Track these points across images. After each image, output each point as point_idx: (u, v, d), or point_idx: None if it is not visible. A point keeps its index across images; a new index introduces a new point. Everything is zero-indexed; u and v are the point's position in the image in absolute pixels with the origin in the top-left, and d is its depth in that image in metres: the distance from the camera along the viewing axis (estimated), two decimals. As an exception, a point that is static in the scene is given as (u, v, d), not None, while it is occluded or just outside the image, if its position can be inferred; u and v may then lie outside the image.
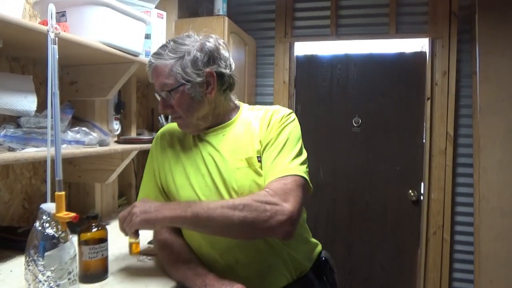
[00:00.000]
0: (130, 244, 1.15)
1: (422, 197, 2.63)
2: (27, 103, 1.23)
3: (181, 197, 1.09)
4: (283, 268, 1.07)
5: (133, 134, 1.93)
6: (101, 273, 1.08)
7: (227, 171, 1.06)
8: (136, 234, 1.05)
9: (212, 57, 1.06)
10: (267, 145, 1.06)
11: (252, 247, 1.04)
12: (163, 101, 1.09)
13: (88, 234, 1.06)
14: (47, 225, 0.87)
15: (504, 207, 2.19)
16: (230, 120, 1.15)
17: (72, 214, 0.88)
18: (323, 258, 1.20)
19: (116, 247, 1.34)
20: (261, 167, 1.05)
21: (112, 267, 1.17)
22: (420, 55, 2.65)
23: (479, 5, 2.28)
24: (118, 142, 1.69)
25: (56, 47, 0.86)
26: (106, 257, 1.08)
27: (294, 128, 1.09)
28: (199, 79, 1.05)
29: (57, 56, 0.88)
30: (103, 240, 1.07)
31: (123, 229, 1.03)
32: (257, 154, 1.06)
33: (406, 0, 2.61)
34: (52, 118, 0.90)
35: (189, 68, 1.03)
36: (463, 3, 2.49)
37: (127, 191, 2.04)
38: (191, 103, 1.06)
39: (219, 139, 1.12)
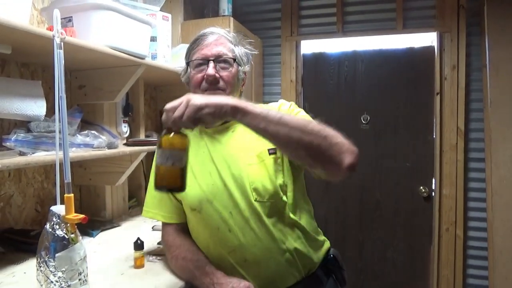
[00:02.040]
0: (135, 258, 1.18)
1: (433, 193, 2.60)
2: (37, 108, 1.26)
3: (188, 196, 1.09)
4: (292, 266, 1.07)
5: (142, 136, 1.95)
6: (175, 184, 0.92)
7: (237, 168, 1.07)
8: (194, 123, 0.88)
9: (249, 60, 1.21)
10: None
11: (260, 245, 1.04)
12: (215, 68, 1.09)
13: (164, 137, 0.90)
14: (57, 226, 0.89)
15: (517, 202, 2.16)
16: None
17: (81, 216, 0.90)
18: (332, 256, 1.19)
19: (126, 247, 1.36)
20: (274, 160, 1.07)
21: (122, 267, 1.19)
22: (428, 50, 2.62)
23: (487, -3, 2.26)
24: (126, 144, 1.71)
25: (62, 52, 0.88)
26: (182, 169, 0.91)
27: (306, 114, 1.14)
28: (246, 69, 1.17)
29: (63, 61, 0.90)
30: (182, 148, 0.91)
31: (175, 119, 0.86)
32: (270, 145, 1.06)
33: (413, -6, 2.59)
34: (60, 122, 0.91)
35: (243, 56, 1.16)
36: (471, -5, 2.46)
37: (137, 193, 2.07)
38: (237, 82, 1.14)
39: (228, 136, 1.13)
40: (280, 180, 1.07)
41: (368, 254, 2.74)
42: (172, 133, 0.89)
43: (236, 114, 0.88)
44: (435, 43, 2.58)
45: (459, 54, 2.48)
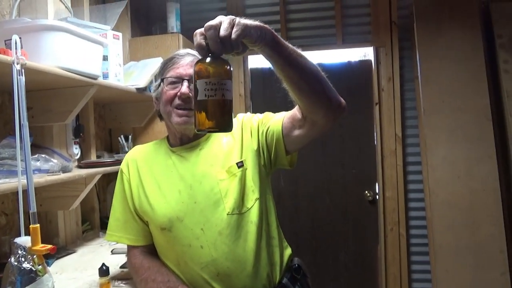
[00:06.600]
0: (101, 285, 1.16)
1: (377, 197, 2.78)
2: (-15, 134, 1.19)
3: (157, 216, 1.10)
4: (263, 276, 1.10)
5: (93, 157, 1.89)
6: (225, 122, 0.78)
7: (209, 184, 1.10)
8: (242, 47, 0.80)
9: None
10: (258, 126, 1.17)
11: (232, 258, 1.06)
12: (189, 88, 1.10)
13: (208, 64, 0.77)
14: (23, 259, 0.86)
15: (451, 200, 2.37)
16: (204, 137, 1.19)
17: (49, 246, 0.87)
18: (297, 265, 1.25)
19: (87, 274, 1.33)
20: (242, 173, 1.11)
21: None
22: (366, 63, 2.81)
23: (416, 15, 2.48)
24: (80, 166, 1.66)
25: (23, 78, 0.85)
26: (231, 102, 0.79)
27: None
28: None
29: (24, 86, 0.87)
30: (229, 77, 0.79)
31: (224, 39, 0.75)
32: (238, 159, 1.12)
33: (350, 11, 2.76)
34: (22, 149, 0.88)
35: None
36: (402, 12, 2.67)
37: (90, 216, 1.99)
38: None
39: (196, 154, 1.16)
40: (250, 191, 1.12)
41: (322, 259, 2.85)
42: (214, 58, 0.77)
43: (272, 40, 0.85)
44: (369, 56, 2.78)
45: (394, 66, 2.69)
